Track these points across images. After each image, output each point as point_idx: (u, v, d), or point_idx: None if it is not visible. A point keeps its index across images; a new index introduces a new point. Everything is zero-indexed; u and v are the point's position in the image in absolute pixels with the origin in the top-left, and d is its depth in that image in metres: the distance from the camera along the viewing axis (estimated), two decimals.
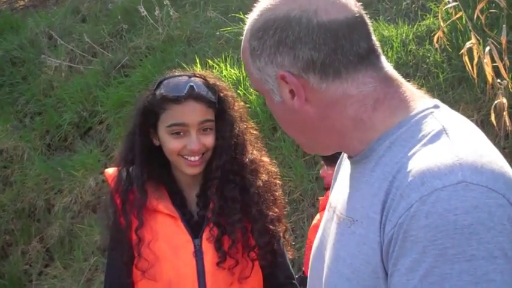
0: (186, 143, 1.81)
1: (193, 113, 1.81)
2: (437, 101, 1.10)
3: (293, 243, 3.79)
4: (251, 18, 1.13)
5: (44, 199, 5.22)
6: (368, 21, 1.11)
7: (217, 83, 1.90)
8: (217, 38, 5.25)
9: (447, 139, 1.01)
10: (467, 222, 0.91)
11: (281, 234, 1.94)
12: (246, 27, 1.14)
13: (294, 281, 2.02)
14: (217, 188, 1.86)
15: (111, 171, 1.98)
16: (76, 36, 6.56)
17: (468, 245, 0.91)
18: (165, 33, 5.71)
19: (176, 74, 1.91)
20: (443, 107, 1.10)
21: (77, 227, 4.83)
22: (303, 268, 3.13)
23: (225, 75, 4.59)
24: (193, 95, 1.81)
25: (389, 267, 0.98)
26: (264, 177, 1.93)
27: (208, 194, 1.88)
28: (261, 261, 1.90)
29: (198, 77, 1.87)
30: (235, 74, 4.58)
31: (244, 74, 4.54)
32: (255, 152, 1.94)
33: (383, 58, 1.11)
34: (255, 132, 1.99)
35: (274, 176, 1.98)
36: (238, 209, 1.86)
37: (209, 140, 1.84)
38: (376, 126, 1.08)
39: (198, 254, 1.85)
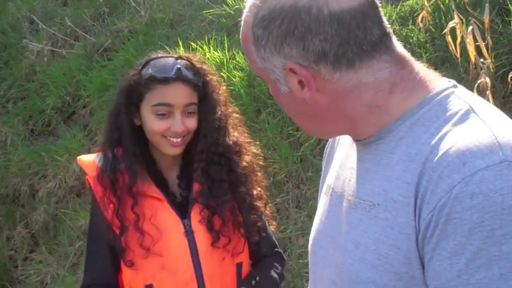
0: (170, 125, 1.82)
1: (180, 95, 1.82)
2: (454, 81, 1.07)
3: (278, 224, 3.81)
4: (253, 3, 1.07)
5: (28, 184, 5.19)
6: (378, 3, 1.06)
7: (203, 67, 1.91)
8: (200, 20, 5.20)
9: (478, 118, 0.98)
10: None
11: (262, 209, 1.98)
12: (246, 13, 1.08)
13: (277, 249, 2.09)
14: (203, 170, 1.88)
15: (85, 158, 1.96)
16: (58, 20, 6.49)
17: None
18: (147, 16, 5.66)
19: (163, 55, 1.91)
20: (461, 87, 1.07)
21: (62, 212, 4.81)
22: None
23: (208, 58, 4.56)
24: (181, 77, 1.82)
25: (427, 252, 0.95)
26: (248, 157, 1.96)
27: (194, 176, 1.90)
28: (249, 238, 1.94)
29: (184, 59, 1.88)
30: (219, 56, 4.55)
31: (228, 57, 4.51)
32: (237, 134, 1.96)
33: (394, 38, 1.07)
34: (237, 115, 2.00)
35: (256, 157, 2.01)
36: (226, 189, 1.89)
37: (192, 123, 1.86)
38: (392, 109, 1.05)
39: (189, 233, 1.87)
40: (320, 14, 1.00)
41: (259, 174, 2.01)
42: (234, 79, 4.31)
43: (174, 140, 1.84)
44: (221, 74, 4.37)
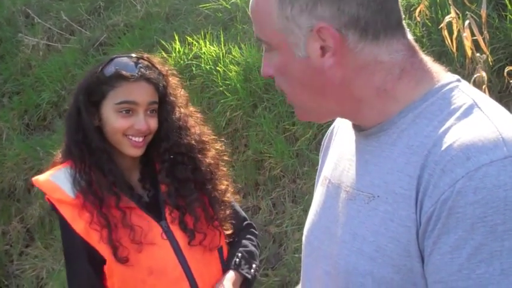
0: (134, 123, 1.82)
1: (144, 93, 1.83)
2: (458, 76, 1.06)
3: (274, 219, 3.81)
4: None
5: (24, 179, 5.17)
6: None
7: (164, 68, 1.93)
8: (197, 14, 5.19)
9: (482, 113, 0.98)
10: None
11: (230, 200, 2.03)
12: None
13: (248, 221, 2.13)
14: (167, 171, 1.90)
15: (42, 178, 1.88)
16: (53, 14, 6.47)
17: None
18: (143, 10, 5.65)
19: (123, 54, 1.92)
20: (465, 82, 1.06)
21: None
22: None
23: (204, 52, 4.55)
24: (145, 76, 1.83)
25: (428, 246, 0.94)
26: (211, 153, 1.98)
27: (160, 178, 1.91)
28: (224, 231, 1.98)
29: (145, 60, 1.89)
30: (215, 50, 4.54)
31: (224, 51, 4.50)
32: (197, 134, 1.97)
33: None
34: (199, 115, 2.03)
35: (220, 153, 2.04)
36: (193, 188, 1.91)
37: (154, 122, 1.87)
38: (398, 97, 1.04)
39: (168, 234, 1.87)
40: None
41: (224, 169, 2.04)
42: (230, 73, 4.30)
43: (136, 139, 1.84)
44: (217, 68, 4.37)
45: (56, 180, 1.84)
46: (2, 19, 6.82)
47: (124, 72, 1.82)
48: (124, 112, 1.83)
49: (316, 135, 3.83)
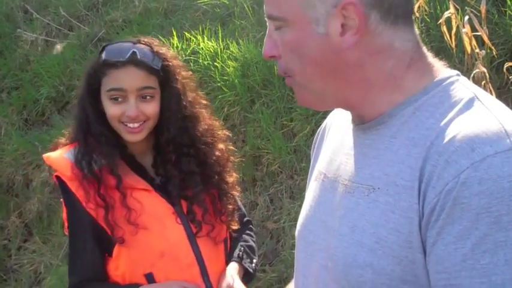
0: (125, 109, 1.80)
1: (132, 79, 1.80)
2: (458, 71, 1.08)
3: (271, 215, 3.81)
4: None
5: (22, 174, 5.17)
6: None
7: (162, 51, 1.88)
8: (195, 10, 5.18)
9: (483, 106, 0.99)
10: None
11: (238, 194, 2.05)
12: None
13: (247, 218, 2.15)
14: (174, 163, 1.88)
15: (53, 155, 1.90)
16: (52, 9, 6.45)
17: None
18: (141, 6, 5.63)
19: (122, 40, 1.92)
20: (464, 77, 1.08)
21: (55, 202, 4.79)
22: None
23: (202, 48, 4.54)
24: (133, 61, 1.80)
25: (431, 236, 0.94)
26: (221, 145, 1.96)
27: (167, 168, 1.89)
28: (229, 227, 1.98)
29: (143, 43, 1.86)
30: (213, 46, 4.53)
31: (222, 47, 4.49)
32: (206, 121, 1.94)
33: None
34: (204, 102, 1.98)
35: (228, 144, 2.03)
36: (198, 181, 1.89)
37: (150, 108, 1.83)
38: (404, 86, 1.05)
39: (183, 219, 1.88)
40: None
41: (232, 159, 2.02)
42: (228, 69, 4.29)
43: (131, 125, 1.82)
44: (215, 64, 4.36)
45: (69, 157, 1.86)
46: (1, 15, 6.81)
47: (110, 59, 1.80)
48: (114, 99, 1.81)
49: (314, 131, 3.82)
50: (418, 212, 0.96)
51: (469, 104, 1.00)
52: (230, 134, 2.10)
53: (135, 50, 1.81)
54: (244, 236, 2.07)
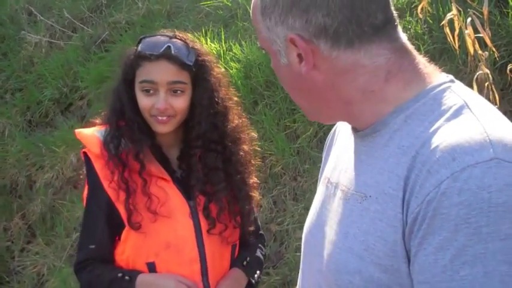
0: (155, 102, 1.83)
1: (164, 73, 1.83)
2: (451, 76, 1.07)
3: (274, 217, 3.80)
4: None
5: (26, 175, 5.18)
6: None
7: (197, 47, 1.90)
8: (197, 12, 5.19)
9: (471, 114, 0.98)
10: (501, 200, 0.88)
11: (257, 198, 2.05)
12: None
13: (261, 232, 2.15)
14: (199, 157, 1.89)
15: (85, 131, 1.95)
16: (56, 11, 6.47)
17: (502, 223, 0.87)
18: (145, 8, 5.64)
19: (159, 33, 1.92)
20: (458, 82, 1.06)
21: (59, 203, 4.80)
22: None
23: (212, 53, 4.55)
24: (166, 55, 1.82)
25: (413, 246, 0.94)
26: (246, 146, 1.97)
27: (192, 162, 1.90)
28: (244, 227, 1.98)
29: (178, 38, 1.87)
30: (216, 48, 4.53)
31: (225, 48, 4.50)
32: (236, 119, 1.95)
33: (399, 28, 1.07)
34: (235, 98, 2.00)
35: (254, 144, 2.03)
36: (222, 177, 1.91)
37: (179, 102, 1.85)
38: (388, 98, 1.04)
39: (194, 215, 1.89)
40: None
41: (255, 162, 2.03)
42: (230, 71, 4.29)
43: (160, 117, 1.85)
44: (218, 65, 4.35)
45: (100, 135, 1.90)
46: (5, 17, 6.83)
47: (145, 52, 1.83)
48: (145, 91, 1.85)
49: (317, 133, 3.82)
50: (402, 221, 0.96)
51: (458, 112, 0.99)
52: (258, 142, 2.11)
53: (170, 45, 1.83)
54: (254, 247, 2.08)
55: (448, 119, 0.98)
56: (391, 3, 1.06)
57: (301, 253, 1.27)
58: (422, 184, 0.93)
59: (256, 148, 2.06)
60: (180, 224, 1.88)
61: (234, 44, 4.48)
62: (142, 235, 1.84)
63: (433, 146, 0.95)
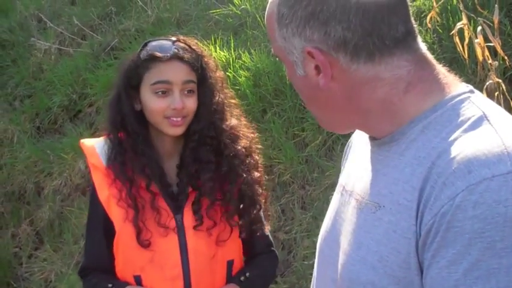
0: (170, 102, 1.82)
1: (178, 72, 1.84)
2: (471, 86, 1.05)
3: (283, 225, 3.79)
4: None
5: (34, 182, 5.19)
6: (408, 2, 1.05)
7: (199, 50, 1.92)
8: (207, 20, 5.19)
9: (490, 126, 0.96)
10: None
11: (262, 196, 1.97)
12: None
13: (273, 248, 2.06)
14: (191, 150, 1.88)
15: (87, 142, 1.97)
16: (65, 19, 6.50)
17: None
18: (154, 16, 5.66)
19: (161, 38, 1.94)
20: (478, 93, 1.05)
21: (67, 210, 4.80)
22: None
23: (214, 57, 4.55)
24: (178, 55, 1.83)
25: (426, 259, 0.93)
26: (244, 142, 1.95)
27: (183, 157, 1.90)
28: (243, 230, 1.91)
29: (181, 41, 1.90)
30: (225, 56, 4.54)
31: (234, 56, 4.51)
32: (233, 119, 1.96)
33: (419, 39, 1.06)
34: (233, 101, 2.02)
35: (254, 141, 2.01)
36: (211, 169, 1.87)
37: (191, 102, 1.86)
38: (407, 109, 1.03)
39: (180, 230, 1.86)
40: (347, 2, 0.99)
41: (258, 158, 2.00)
42: (239, 79, 4.30)
43: (175, 119, 1.84)
44: (227, 73, 4.36)
45: (98, 147, 1.91)
46: (15, 23, 6.87)
47: (157, 53, 1.83)
48: (160, 93, 1.84)
49: (326, 141, 3.82)
50: (416, 233, 0.95)
51: (476, 123, 0.97)
52: (257, 134, 2.09)
53: (176, 46, 1.85)
54: (262, 262, 2.01)
55: (466, 131, 0.97)
56: (411, 14, 1.05)
57: (315, 261, 1.26)
58: (437, 196, 0.92)
59: (258, 146, 2.03)
60: (165, 238, 1.85)
61: (243, 52, 4.48)
62: (128, 247, 1.85)
63: (449, 157, 0.94)
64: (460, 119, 0.99)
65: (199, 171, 1.88)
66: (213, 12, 5.16)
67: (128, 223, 1.83)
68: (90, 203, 1.95)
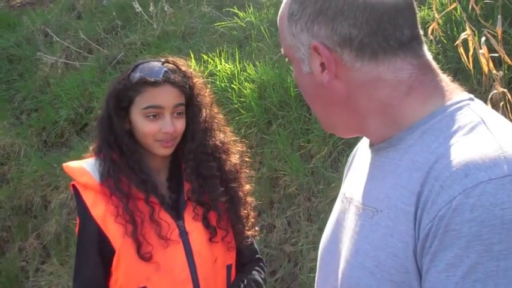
0: (161, 126, 1.86)
1: (169, 96, 1.86)
2: (472, 95, 1.06)
3: (289, 238, 3.78)
4: None
5: (41, 196, 5.20)
6: (416, 10, 1.07)
7: (187, 70, 1.95)
8: (212, 32, 5.22)
9: (487, 131, 0.97)
10: None
11: (253, 205, 2.07)
12: None
13: (259, 256, 2.13)
14: (192, 169, 1.93)
15: (74, 163, 1.96)
16: (72, 33, 6.55)
17: None
18: (159, 29, 5.69)
19: (149, 59, 1.95)
20: (478, 101, 1.06)
21: (73, 224, 4.80)
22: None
23: (219, 70, 4.57)
24: (169, 80, 1.86)
25: (425, 263, 0.93)
26: (235, 156, 2.02)
27: (185, 176, 1.95)
28: (239, 236, 1.99)
29: (170, 63, 1.92)
30: (230, 68, 4.55)
31: (239, 69, 4.52)
32: (222, 135, 2.01)
33: (425, 47, 1.07)
34: (221, 116, 2.07)
35: (244, 155, 2.08)
36: (218, 184, 1.94)
37: (180, 123, 1.90)
38: (406, 113, 1.05)
39: (183, 234, 1.90)
40: (355, 0, 1.02)
41: (246, 171, 2.07)
42: (245, 91, 4.31)
43: (165, 142, 1.88)
44: (232, 86, 4.38)
45: (87, 166, 1.91)
46: (22, 38, 6.92)
47: (148, 78, 1.84)
48: (151, 116, 1.86)
49: (332, 153, 3.82)
50: (414, 237, 0.96)
51: (474, 129, 0.98)
52: (245, 147, 2.14)
53: (166, 70, 1.87)
54: (253, 271, 2.06)
55: (463, 135, 0.97)
56: (418, 23, 1.07)
57: (317, 269, 1.26)
58: (435, 200, 0.92)
59: (246, 159, 2.10)
60: (170, 245, 1.87)
61: (248, 65, 4.50)
62: (133, 260, 1.84)
63: (446, 161, 0.94)
64: (458, 125, 1.00)
65: (205, 187, 1.93)
66: (218, 25, 5.18)
67: (127, 238, 1.83)
68: (80, 224, 1.90)
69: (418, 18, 1.07)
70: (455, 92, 1.06)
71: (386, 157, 1.07)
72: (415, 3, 1.07)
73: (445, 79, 1.08)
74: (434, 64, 1.08)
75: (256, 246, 2.13)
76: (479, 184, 0.89)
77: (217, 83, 4.48)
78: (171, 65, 1.91)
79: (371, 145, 1.13)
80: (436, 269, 0.91)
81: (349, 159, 1.34)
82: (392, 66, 1.04)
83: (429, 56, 1.08)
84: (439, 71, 1.08)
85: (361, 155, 1.21)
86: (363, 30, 1.02)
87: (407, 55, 1.04)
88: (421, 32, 1.08)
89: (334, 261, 1.14)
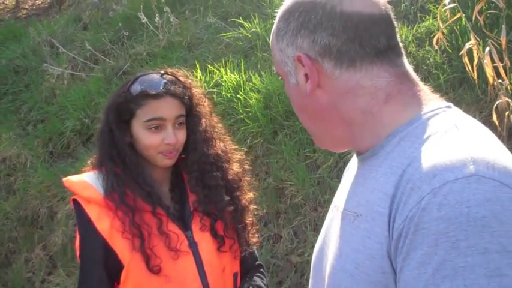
0: (164, 137, 1.87)
1: (171, 108, 1.88)
2: (450, 103, 1.10)
3: (295, 248, 3.78)
4: (285, 2, 1.17)
5: (47, 206, 5.21)
6: (394, 23, 1.13)
7: (187, 81, 1.97)
8: (217, 43, 5.24)
9: (459, 134, 1.00)
10: (480, 214, 0.89)
11: (256, 212, 2.09)
12: (280, 8, 1.19)
13: (259, 262, 2.14)
14: (197, 180, 1.94)
15: (75, 177, 1.93)
16: (78, 44, 6.58)
17: (481, 237, 0.88)
18: (165, 40, 5.72)
19: (148, 72, 1.96)
20: (456, 108, 1.10)
21: None
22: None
23: (225, 80, 4.58)
24: (170, 91, 1.87)
25: (399, 262, 0.96)
26: (236, 165, 2.04)
27: (189, 187, 1.96)
28: (244, 244, 2.00)
29: (169, 74, 1.93)
30: (236, 78, 4.57)
31: (245, 79, 4.54)
32: (222, 144, 2.03)
33: (405, 59, 1.12)
34: (221, 125, 2.09)
35: (244, 163, 2.09)
36: (224, 193, 1.96)
37: (182, 134, 1.92)
38: (385, 120, 1.09)
39: (193, 245, 1.90)
40: (332, 11, 1.08)
41: (248, 178, 2.08)
42: (250, 101, 4.32)
43: (168, 153, 1.89)
44: (238, 96, 4.39)
45: (89, 179, 1.89)
46: (28, 49, 6.96)
47: (150, 91, 1.85)
48: (153, 128, 1.87)
49: (338, 163, 3.82)
50: (389, 238, 0.99)
51: (446, 133, 1.02)
52: (247, 156, 2.18)
53: (166, 81, 1.88)
54: (254, 277, 2.07)
55: (435, 140, 1.01)
56: (397, 35, 1.12)
57: (310, 278, 1.29)
58: (406, 201, 0.96)
59: (246, 166, 2.11)
60: (180, 256, 1.87)
61: (254, 75, 4.51)
62: (142, 273, 1.82)
63: (417, 164, 0.98)
64: (432, 130, 1.04)
65: (211, 197, 1.94)
66: (224, 36, 5.20)
67: (135, 253, 1.82)
68: (82, 239, 1.87)
69: (396, 32, 1.12)
70: (433, 101, 1.10)
71: (369, 165, 1.11)
72: (393, 18, 1.12)
73: (424, 89, 1.12)
74: (414, 75, 1.12)
75: (256, 253, 2.15)
76: (446, 184, 0.92)
77: (223, 93, 4.50)
78: (170, 77, 1.92)
79: (358, 155, 1.17)
80: (408, 268, 0.94)
81: (344, 173, 1.37)
82: (370, 74, 1.08)
83: (409, 68, 1.12)
84: (419, 81, 1.12)
85: (352, 166, 1.25)
86: (341, 39, 1.07)
87: (384, 63, 1.09)
88: (401, 45, 1.13)
89: (323, 268, 1.17)
